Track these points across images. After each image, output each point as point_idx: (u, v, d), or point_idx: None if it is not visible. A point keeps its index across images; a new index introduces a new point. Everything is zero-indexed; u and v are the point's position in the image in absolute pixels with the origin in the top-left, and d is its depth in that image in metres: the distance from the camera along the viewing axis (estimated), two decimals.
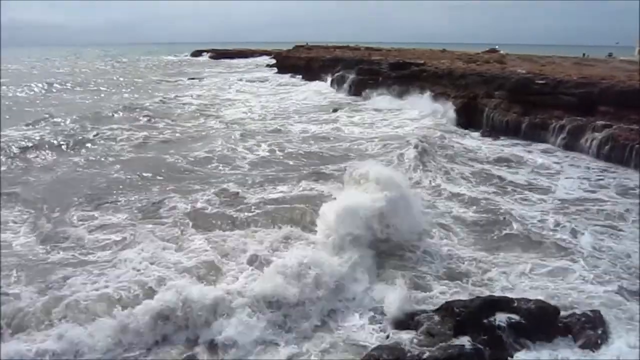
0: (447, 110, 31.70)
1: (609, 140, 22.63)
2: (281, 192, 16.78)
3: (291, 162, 21.37)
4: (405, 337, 8.90)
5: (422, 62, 39.72)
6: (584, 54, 56.98)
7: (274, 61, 76.09)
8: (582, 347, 9.08)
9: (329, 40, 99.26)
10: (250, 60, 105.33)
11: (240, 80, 60.06)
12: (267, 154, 22.76)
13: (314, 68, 55.68)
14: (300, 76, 58.16)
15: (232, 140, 25.07)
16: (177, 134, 27.11)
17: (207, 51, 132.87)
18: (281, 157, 22.16)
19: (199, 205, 15.31)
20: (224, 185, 17.32)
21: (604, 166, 21.57)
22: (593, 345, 9.08)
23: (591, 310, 9.79)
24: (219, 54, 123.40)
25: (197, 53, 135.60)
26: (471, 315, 9.23)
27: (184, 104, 38.71)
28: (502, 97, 29.35)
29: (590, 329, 9.35)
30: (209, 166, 20.56)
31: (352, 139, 25.86)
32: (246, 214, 14.62)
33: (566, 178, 19.77)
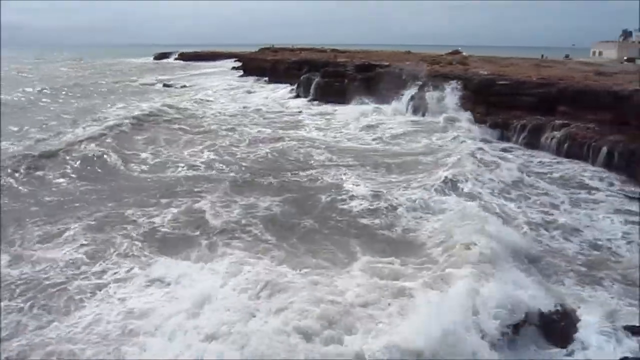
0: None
1: (567, 138, 23.42)
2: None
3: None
4: None
5: (387, 64, 40.15)
6: (542, 56, 58.83)
7: (240, 64, 75.65)
8: (549, 341, 9.31)
9: (296, 42, 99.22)
10: (217, 62, 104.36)
11: (209, 83, 59.33)
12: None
13: (279, 70, 55.59)
14: (266, 78, 57.97)
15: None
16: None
17: (172, 54, 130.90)
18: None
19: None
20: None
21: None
22: (559, 339, 9.31)
23: (555, 304, 10.02)
24: (186, 57, 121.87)
25: (163, 56, 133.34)
26: None
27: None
28: (465, 97, 30.00)
29: (553, 322, 9.58)
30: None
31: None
32: None
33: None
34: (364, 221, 15.05)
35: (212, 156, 23.00)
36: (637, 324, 9.37)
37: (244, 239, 13.38)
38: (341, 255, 12.49)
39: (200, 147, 24.83)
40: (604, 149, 21.37)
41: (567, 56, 63.32)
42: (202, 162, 21.98)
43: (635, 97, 21.69)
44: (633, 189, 18.54)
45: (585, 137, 22.75)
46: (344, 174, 19.84)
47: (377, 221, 15.07)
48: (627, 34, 72.19)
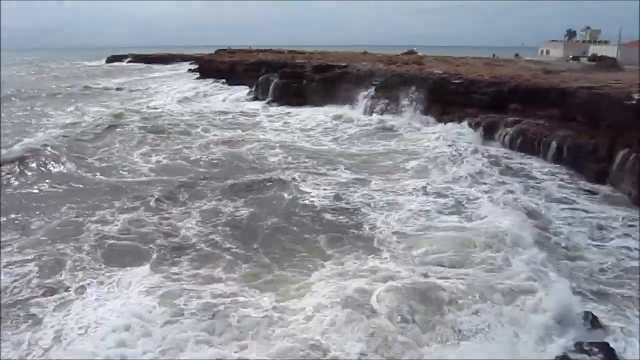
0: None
1: (519, 134, 24.29)
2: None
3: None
4: None
5: (344, 64, 40.43)
6: (494, 55, 60.73)
7: (196, 66, 74.37)
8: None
9: (253, 43, 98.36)
10: (173, 65, 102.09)
11: (163, 86, 58.05)
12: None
13: (237, 72, 55.00)
14: (224, 80, 57.24)
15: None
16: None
17: (126, 56, 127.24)
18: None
19: None
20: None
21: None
22: None
23: None
24: (141, 60, 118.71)
25: (116, 58, 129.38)
26: None
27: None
28: (421, 96, 30.59)
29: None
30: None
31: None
32: None
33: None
34: (327, 221, 15.15)
35: (165, 160, 22.57)
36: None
37: (200, 251, 12.97)
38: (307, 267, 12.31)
39: (154, 150, 24.33)
40: (554, 144, 22.30)
41: (517, 55, 65.65)
42: (155, 166, 21.55)
43: (581, 94, 22.68)
44: (581, 182, 19.60)
45: (536, 133, 23.66)
46: (301, 176, 19.88)
47: (340, 221, 15.22)
48: (571, 34, 75.52)
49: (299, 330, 9.36)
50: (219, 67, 61.81)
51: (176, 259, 12.46)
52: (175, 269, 11.93)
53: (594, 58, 52.14)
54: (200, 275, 11.62)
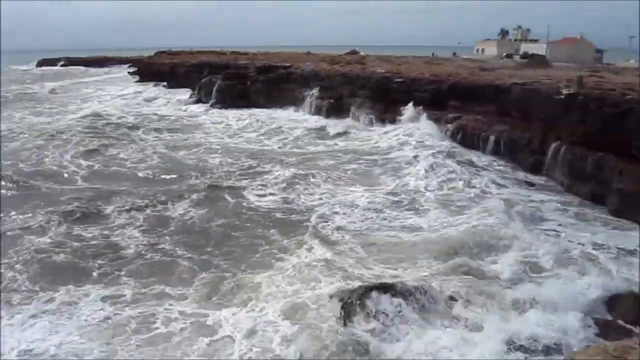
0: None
1: (460, 130, 25.13)
2: None
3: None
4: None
5: (288, 64, 40.34)
6: (433, 54, 62.60)
7: (135, 69, 71.89)
8: (454, 318, 9.91)
9: (194, 45, 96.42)
10: (111, 68, 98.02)
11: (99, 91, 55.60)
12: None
13: (178, 75, 53.60)
14: (165, 83, 55.61)
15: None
16: None
17: (59, 60, 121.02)
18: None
19: None
20: None
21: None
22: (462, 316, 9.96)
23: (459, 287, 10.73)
24: (75, 63, 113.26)
25: (47, 62, 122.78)
26: (357, 302, 9.87)
27: None
28: (365, 96, 31.01)
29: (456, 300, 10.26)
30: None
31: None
32: None
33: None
34: (274, 219, 15.18)
35: (101, 166, 21.77)
36: None
37: (148, 263, 12.48)
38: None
39: (91, 156, 23.38)
40: (492, 139, 23.24)
41: (454, 54, 67.98)
42: (89, 172, 20.76)
43: (514, 90, 23.73)
44: (519, 173, 20.57)
45: (475, 128, 24.57)
46: (245, 177, 19.71)
47: (287, 219, 15.25)
48: (504, 33, 79.14)
49: None
50: (159, 69, 60.05)
51: (121, 275, 11.71)
52: (120, 288, 11.08)
53: (525, 55, 54.74)
54: (151, 294, 10.85)
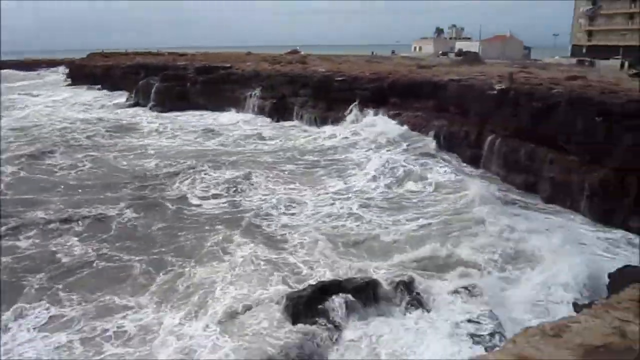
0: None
1: (401, 125, 25.70)
2: None
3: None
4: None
5: (229, 65, 39.79)
6: (372, 52, 63.77)
7: (66, 72, 68.45)
8: (405, 310, 10.13)
9: (129, 46, 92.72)
10: (38, 72, 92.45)
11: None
12: None
13: (114, 77, 51.59)
14: (99, 86, 53.36)
15: None
16: None
17: None
18: None
19: None
20: None
21: None
22: (412, 307, 10.19)
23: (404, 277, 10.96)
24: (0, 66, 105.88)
25: None
26: (307, 303, 9.76)
27: None
28: (307, 95, 31.12)
29: (407, 294, 10.48)
30: None
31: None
32: None
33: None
34: (218, 220, 14.96)
35: (26, 173, 20.54)
36: None
37: (94, 271, 11.96)
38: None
39: (19, 162, 22.00)
40: (431, 133, 23.94)
41: (393, 52, 69.53)
42: (15, 180, 19.55)
43: (451, 86, 24.59)
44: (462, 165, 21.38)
45: (415, 124, 25.24)
46: (185, 178, 19.37)
47: (230, 216, 15.17)
48: (440, 31, 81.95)
49: None
50: (92, 72, 57.51)
51: (62, 289, 10.88)
52: (62, 306, 10.18)
53: (460, 53, 56.84)
54: (102, 304, 10.19)
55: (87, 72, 59.05)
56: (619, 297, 3.04)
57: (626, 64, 42.46)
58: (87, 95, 49.94)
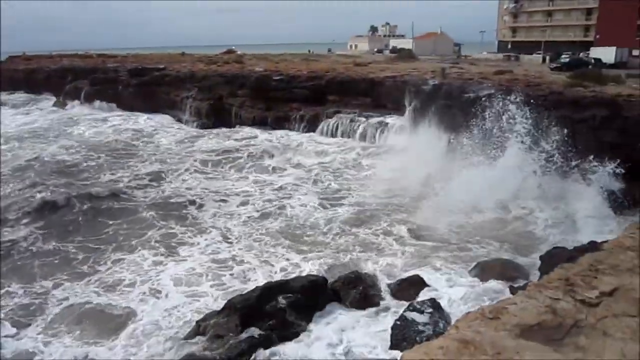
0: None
1: (340, 123, 26.00)
2: None
3: None
4: (195, 347, 8.67)
5: (162, 66, 38.59)
6: (309, 51, 64.10)
7: None
8: (351, 306, 10.21)
9: (54, 48, 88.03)
10: None
11: None
12: None
13: (38, 81, 48.61)
14: (22, 91, 50.12)
15: None
16: None
17: None
18: None
19: None
20: None
21: None
22: (360, 303, 10.29)
23: (352, 272, 11.06)
24: None
25: None
26: (253, 306, 9.55)
27: None
28: (245, 95, 30.73)
29: (353, 288, 10.56)
30: None
31: None
32: None
33: None
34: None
35: None
36: None
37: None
38: None
39: None
40: None
41: (329, 50, 70.26)
42: None
43: (387, 82, 25.20)
44: None
45: (353, 120, 25.59)
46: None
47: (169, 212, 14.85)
48: (374, 30, 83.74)
49: None
50: (13, 76, 53.89)
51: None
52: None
53: (394, 50, 58.36)
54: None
55: (7, 76, 55.27)
56: (550, 278, 3.22)
57: (547, 58, 45.27)
58: (7, 100, 46.63)
